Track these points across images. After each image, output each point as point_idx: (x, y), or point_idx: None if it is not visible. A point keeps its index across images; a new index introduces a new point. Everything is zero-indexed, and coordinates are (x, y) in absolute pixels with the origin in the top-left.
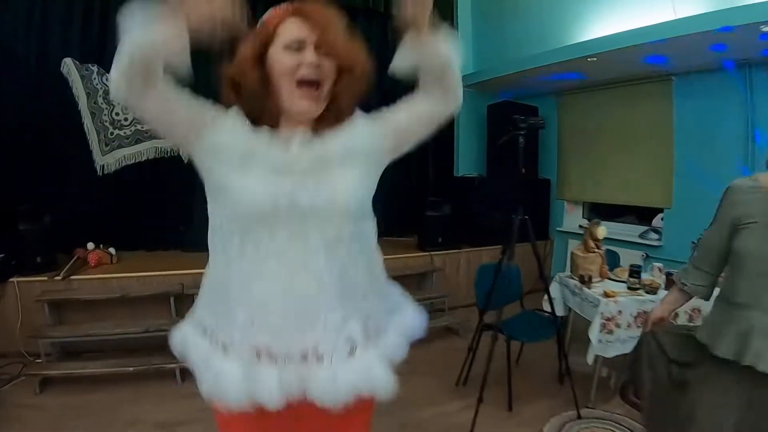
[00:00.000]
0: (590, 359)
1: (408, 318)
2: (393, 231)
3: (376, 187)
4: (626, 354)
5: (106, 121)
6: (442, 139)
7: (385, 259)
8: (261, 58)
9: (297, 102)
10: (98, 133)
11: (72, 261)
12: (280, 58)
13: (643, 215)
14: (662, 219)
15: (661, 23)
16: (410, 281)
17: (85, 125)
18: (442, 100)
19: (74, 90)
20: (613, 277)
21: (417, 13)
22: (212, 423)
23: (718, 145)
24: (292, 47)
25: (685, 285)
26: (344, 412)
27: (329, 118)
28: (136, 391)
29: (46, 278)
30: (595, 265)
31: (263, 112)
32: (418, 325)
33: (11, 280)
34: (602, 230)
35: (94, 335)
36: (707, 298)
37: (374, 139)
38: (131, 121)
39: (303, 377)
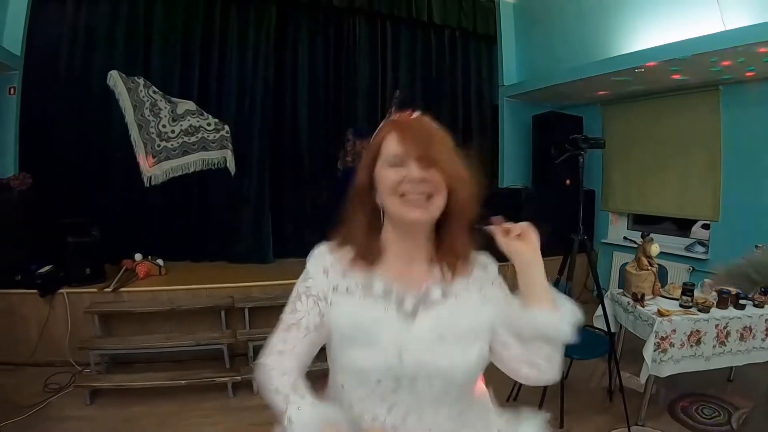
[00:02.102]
0: (644, 378)
1: None
2: None
3: None
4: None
5: (153, 133)
6: (487, 150)
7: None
8: (371, 177)
9: (405, 213)
10: (145, 145)
11: (121, 272)
12: (384, 174)
13: (683, 224)
14: (702, 228)
15: (711, 34)
16: None
17: (132, 137)
18: (541, 368)
19: (121, 102)
20: (665, 294)
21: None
22: None
23: None
24: (395, 163)
25: None
26: None
27: (445, 251)
28: (186, 404)
29: (95, 290)
30: (648, 283)
31: (368, 248)
32: None
33: (60, 291)
34: (656, 248)
35: (144, 348)
36: None
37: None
38: (178, 134)
39: None
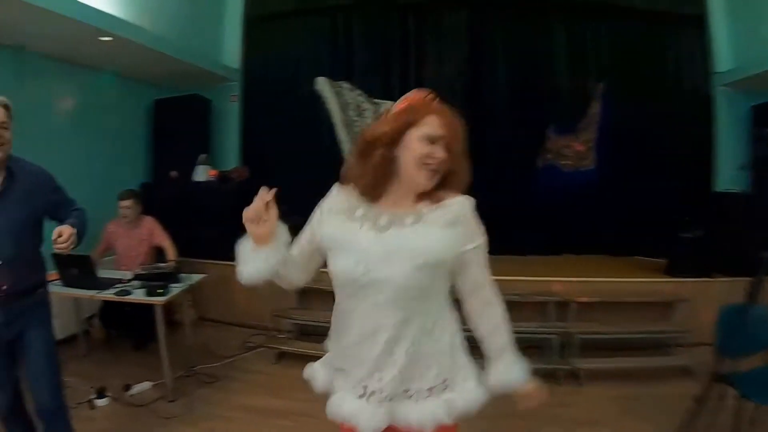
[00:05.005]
0: None
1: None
2: (640, 250)
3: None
4: None
5: (358, 132)
6: (699, 147)
7: (627, 281)
8: (399, 135)
9: (419, 178)
10: (351, 143)
11: None
12: (416, 145)
13: None
14: None
15: None
16: (652, 309)
17: (339, 136)
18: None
19: (328, 105)
20: None
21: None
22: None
23: None
24: (429, 140)
25: None
26: None
27: (430, 199)
28: None
29: None
30: None
31: (375, 186)
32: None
33: None
34: None
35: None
36: None
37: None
38: None
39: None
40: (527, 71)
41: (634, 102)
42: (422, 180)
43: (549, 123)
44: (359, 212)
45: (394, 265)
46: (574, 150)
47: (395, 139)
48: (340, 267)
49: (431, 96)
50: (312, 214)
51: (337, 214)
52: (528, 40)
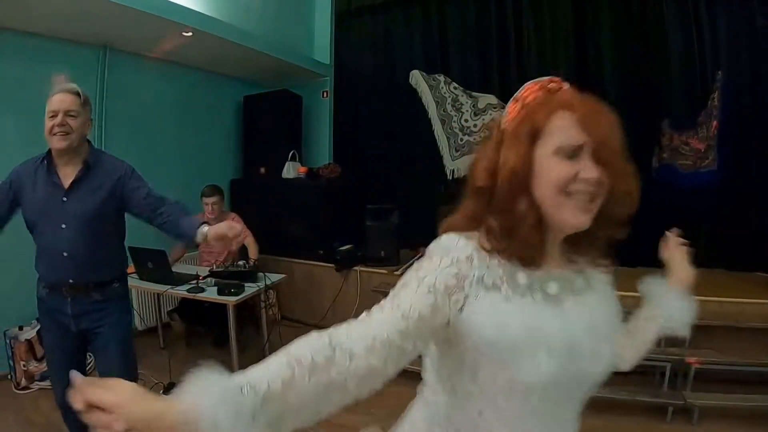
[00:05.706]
0: None
1: None
2: (765, 265)
3: None
4: None
5: (455, 128)
6: None
7: (753, 303)
8: (526, 160)
9: (566, 215)
10: (448, 140)
11: (415, 258)
12: (553, 166)
13: None
14: None
15: None
16: None
17: (435, 132)
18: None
19: (423, 99)
20: None
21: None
22: None
23: None
24: (565, 153)
25: None
26: None
27: (585, 245)
28: None
29: (385, 271)
30: None
31: (539, 246)
32: None
33: (355, 268)
34: None
35: None
36: None
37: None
38: (480, 128)
39: None
40: (638, 57)
41: (759, 93)
42: (570, 217)
43: (664, 117)
44: (522, 279)
45: (598, 352)
46: (692, 148)
47: (525, 168)
48: (532, 372)
49: (554, 83)
50: (410, 278)
51: (488, 289)
52: (638, 22)
